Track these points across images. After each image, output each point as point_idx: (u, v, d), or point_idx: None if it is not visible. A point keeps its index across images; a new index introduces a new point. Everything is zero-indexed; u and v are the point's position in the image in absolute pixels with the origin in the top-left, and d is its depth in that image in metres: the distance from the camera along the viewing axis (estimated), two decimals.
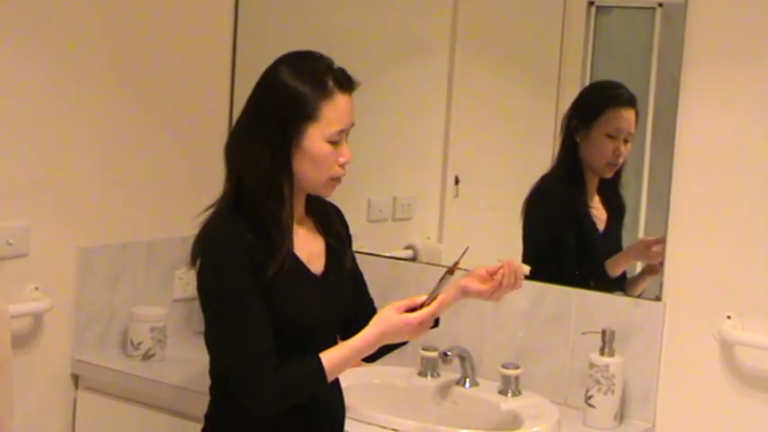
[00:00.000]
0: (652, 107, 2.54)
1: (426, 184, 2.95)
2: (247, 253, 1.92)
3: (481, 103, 2.89)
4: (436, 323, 2.05)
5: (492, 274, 2.07)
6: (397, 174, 3.02)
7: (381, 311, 1.99)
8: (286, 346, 1.95)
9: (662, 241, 2.45)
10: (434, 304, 1.99)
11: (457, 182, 2.87)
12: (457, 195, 2.88)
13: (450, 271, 2.02)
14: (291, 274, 1.97)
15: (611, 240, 2.62)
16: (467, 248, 2.03)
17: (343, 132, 1.96)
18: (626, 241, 2.62)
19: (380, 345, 1.99)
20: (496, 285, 2.06)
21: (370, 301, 2.21)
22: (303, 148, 1.93)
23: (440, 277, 2.01)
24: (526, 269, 2.06)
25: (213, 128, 2.93)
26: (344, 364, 1.98)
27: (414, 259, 2.87)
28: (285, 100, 1.92)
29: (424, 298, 2.00)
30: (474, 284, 2.07)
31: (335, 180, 1.99)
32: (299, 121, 1.91)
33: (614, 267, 2.60)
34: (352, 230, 2.20)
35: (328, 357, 1.95)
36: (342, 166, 1.98)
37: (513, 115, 2.85)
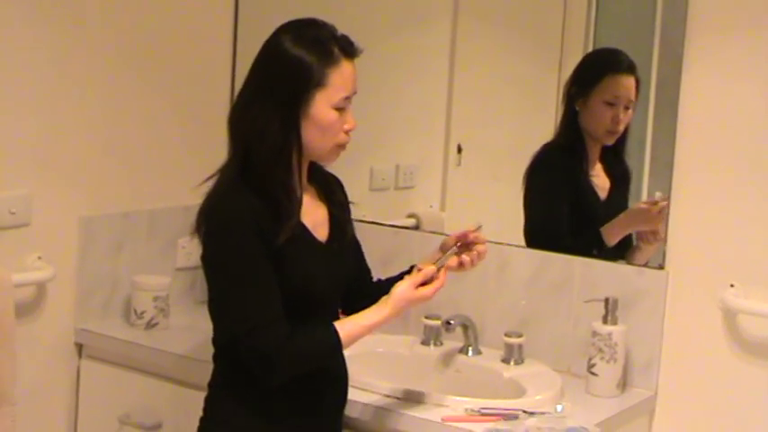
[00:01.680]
0: (655, 75, 2.54)
1: (429, 153, 2.96)
2: (256, 219, 1.93)
3: (484, 70, 2.89)
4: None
5: (462, 241, 2.11)
6: (399, 142, 3.02)
7: (399, 288, 2.02)
8: (291, 315, 1.97)
9: (654, 203, 2.48)
10: (442, 276, 2.05)
11: (459, 150, 2.88)
12: (459, 164, 2.89)
13: (459, 239, 2.08)
14: (298, 242, 1.98)
15: (615, 208, 2.62)
16: (480, 226, 2.09)
17: (348, 99, 1.99)
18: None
19: (392, 319, 2.04)
20: (469, 259, 2.11)
21: (368, 271, 2.25)
22: (311, 115, 1.96)
23: (448, 249, 2.09)
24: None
25: (215, 95, 2.93)
26: (358, 338, 2.01)
27: (416, 228, 2.88)
28: (293, 69, 1.94)
29: (433, 269, 2.05)
30: (453, 262, 2.12)
31: (341, 147, 2.03)
32: (307, 88, 1.94)
33: (610, 235, 2.60)
34: (354, 199, 2.23)
35: (344, 329, 1.98)
36: (347, 132, 2.01)
37: (516, 83, 2.85)
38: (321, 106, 1.96)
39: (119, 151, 2.79)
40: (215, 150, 2.17)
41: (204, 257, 2.01)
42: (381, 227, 2.82)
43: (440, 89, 2.90)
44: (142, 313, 2.77)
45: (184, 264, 2.94)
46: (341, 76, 1.96)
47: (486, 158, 2.89)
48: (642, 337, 2.46)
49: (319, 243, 2.05)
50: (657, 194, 2.51)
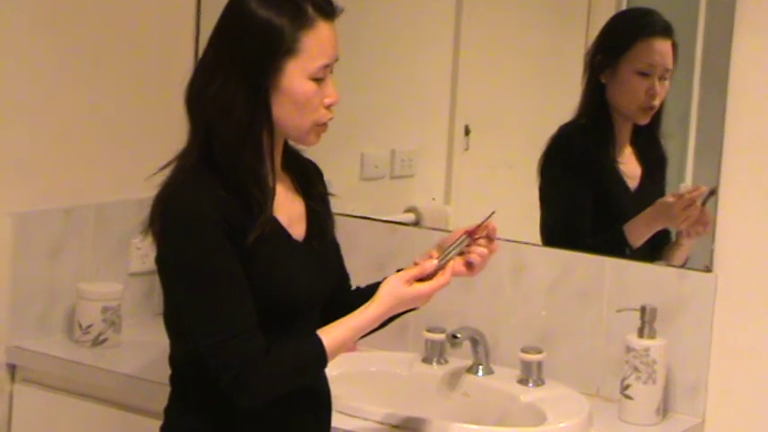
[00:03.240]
0: (701, 41, 2.55)
1: (431, 136, 2.96)
2: (223, 213, 1.92)
3: (495, 38, 2.89)
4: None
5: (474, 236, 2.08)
6: (395, 123, 3.02)
7: (388, 283, 2.01)
8: (266, 326, 1.95)
9: (679, 197, 2.50)
10: (447, 272, 2.02)
11: (467, 132, 2.88)
12: (467, 148, 2.89)
13: (471, 233, 2.05)
14: (271, 241, 1.97)
15: (647, 201, 2.62)
16: (492, 212, 2.05)
17: (328, 68, 1.98)
18: None
19: (382, 319, 2.02)
20: (479, 261, 2.07)
21: (346, 277, 2.22)
22: (283, 87, 1.94)
23: (455, 240, 2.04)
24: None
25: (175, 72, 2.83)
26: (345, 345, 2.00)
27: (416, 224, 2.87)
28: (259, 33, 1.93)
29: (434, 263, 2.02)
30: (460, 267, 2.07)
31: (321, 126, 2.01)
32: (276, 56, 1.93)
33: (634, 234, 2.60)
34: (342, 190, 2.23)
35: (328, 337, 1.97)
36: (328, 108, 1.99)
37: (534, 53, 2.85)
38: (294, 77, 1.94)
39: (59, 136, 2.78)
40: (175, 133, 2.15)
41: (160, 259, 2.00)
42: (374, 223, 2.82)
43: (443, 60, 2.90)
44: (88, 327, 2.76)
45: (139, 268, 2.92)
46: (317, 41, 1.94)
47: (499, 142, 2.89)
48: (686, 354, 2.46)
49: (296, 242, 2.04)
50: (683, 186, 2.54)
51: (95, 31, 2.82)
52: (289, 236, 2.03)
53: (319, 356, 1.96)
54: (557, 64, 2.80)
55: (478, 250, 2.06)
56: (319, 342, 1.95)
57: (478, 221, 2.07)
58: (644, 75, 2.57)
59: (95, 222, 2.84)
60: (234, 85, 1.93)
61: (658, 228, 2.58)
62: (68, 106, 2.79)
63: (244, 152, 1.94)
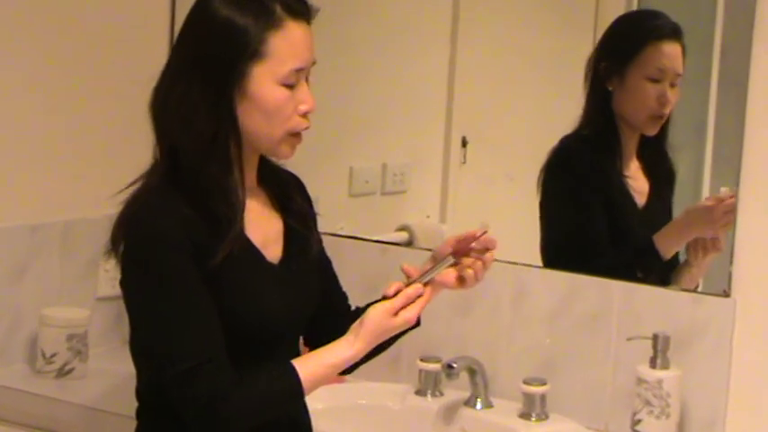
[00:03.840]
0: (719, 44, 2.55)
1: (425, 148, 2.96)
2: (187, 232, 1.92)
3: (496, 41, 2.89)
4: (416, 323, 2.05)
5: (464, 245, 2.06)
6: (387, 134, 3.02)
7: (372, 314, 2.00)
8: (238, 355, 1.95)
9: (720, 200, 2.48)
10: (428, 293, 2.01)
11: (464, 144, 2.89)
12: (464, 161, 2.89)
13: (456, 252, 2.03)
14: (242, 262, 1.97)
15: (656, 218, 2.63)
16: (485, 230, 2.04)
17: (302, 72, 1.97)
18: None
19: (364, 352, 1.99)
20: (472, 273, 2.05)
21: (344, 297, 2.22)
22: (249, 94, 1.94)
23: (438, 263, 2.04)
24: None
25: (147, 83, 2.97)
26: (323, 381, 2.00)
27: (409, 244, 2.88)
28: (221, 34, 1.94)
29: (418, 289, 2.01)
30: (450, 277, 2.06)
31: (295, 137, 2.00)
32: (241, 59, 1.93)
33: (666, 244, 2.58)
34: (329, 207, 2.26)
35: (305, 368, 1.96)
36: (304, 116, 1.99)
37: (537, 58, 2.85)
38: (262, 82, 1.94)
39: (23, 148, 2.78)
40: (150, 146, 2.12)
41: (123, 282, 1.99)
42: (364, 243, 2.82)
43: (439, 65, 2.90)
44: (52, 357, 2.73)
45: (108, 292, 2.88)
46: (287, 43, 1.94)
47: (499, 154, 2.88)
48: (703, 386, 2.45)
49: (269, 265, 2.04)
50: (723, 190, 2.50)
51: (63, 42, 2.83)
52: (262, 257, 2.02)
53: (294, 390, 1.94)
54: (562, 69, 2.79)
55: (469, 262, 2.04)
56: (294, 373, 1.94)
57: (467, 231, 2.05)
58: (654, 81, 2.58)
59: (62, 241, 2.84)
60: (197, 91, 1.93)
61: (693, 236, 2.56)
62: (34, 117, 2.80)
63: (209, 165, 1.94)
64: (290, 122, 1.97)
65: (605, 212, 2.64)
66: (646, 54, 2.59)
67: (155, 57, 2.90)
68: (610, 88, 2.60)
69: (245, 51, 1.92)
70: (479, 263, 2.04)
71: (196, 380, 1.90)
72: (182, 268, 1.91)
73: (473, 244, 2.04)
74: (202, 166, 1.94)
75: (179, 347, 1.91)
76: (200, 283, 1.91)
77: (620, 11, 2.67)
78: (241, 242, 1.96)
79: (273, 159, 2.07)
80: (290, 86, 1.95)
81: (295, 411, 2.08)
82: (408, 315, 1.98)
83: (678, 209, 2.63)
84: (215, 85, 1.92)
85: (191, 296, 1.91)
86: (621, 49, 2.62)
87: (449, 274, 2.04)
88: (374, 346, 1.99)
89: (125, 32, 2.93)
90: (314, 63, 1.98)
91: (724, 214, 2.46)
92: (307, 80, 1.98)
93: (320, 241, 2.15)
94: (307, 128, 1.99)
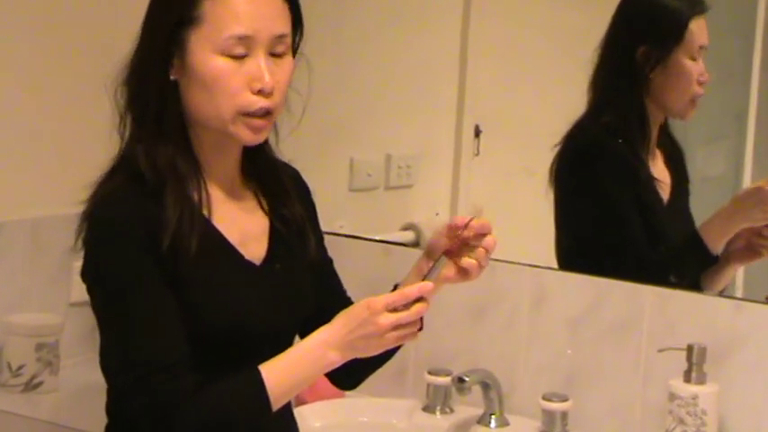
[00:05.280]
0: (762, 27, 2.57)
1: (434, 138, 2.97)
2: (147, 227, 1.94)
3: (512, 18, 2.89)
4: (419, 326, 2.00)
5: (456, 232, 2.03)
6: (391, 124, 3.02)
7: (351, 315, 1.97)
8: (211, 365, 1.96)
9: None
10: (413, 286, 1.93)
11: (477, 134, 2.89)
12: (477, 153, 2.90)
13: (449, 251, 1.99)
14: (212, 260, 1.99)
15: (679, 215, 2.67)
16: (480, 210, 2.00)
17: (251, 41, 1.96)
18: (696, 210, 2.65)
19: (344, 352, 1.94)
20: (474, 263, 2.02)
21: (345, 302, 2.18)
22: (188, 65, 1.97)
23: (435, 260, 2.01)
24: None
25: (118, 75, 2.97)
26: (293, 376, 1.96)
27: (416, 244, 2.88)
28: (156, 1, 2.00)
29: (415, 289, 1.95)
30: (450, 270, 2.04)
31: (251, 116, 1.98)
32: (176, 25, 1.96)
33: (714, 235, 2.59)
34: (327, 203, 2.23)
35: (268, 367, 1.94)
36: (259, 93, 1.97)
37: (557, 39, 2.85)
38: (198, 51, 1.96)
39: None
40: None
41: (84, 280, 2.03)
42: (366, 242, 2.83)
43: (449, 47, 2.90)
44: (19, 368, 2.74)
45: (82, 296, 2.75)
46: (224, 6, 1.95)
47: (516, 144, 2.89)
48: (742, 402, 2.45)
49: (248, 263, 2.05)
50: None
51: (28, 38, 2.85)
52: (238, 256, 2.03)
53: (259, 395, 1.92)
54: (587, 48, 2.74)
55: (478, 251, 2.00)
56: (257, 377, 1.92)
57: (459, 217, 2.02)
58: (694, 60, 2.61)
59: (30, 241, 2.84)
60: (145, 65, 1.98)
61: (742, 225, 2.57)
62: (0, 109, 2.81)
63: (160, 146, 1.97)
64: (239, 99, 1.95)
65: (638, 209, 2.65)
66: (690, 32, 2.60)
67: (124, 51, 2.97)
68: (651, 76, 2.61)
69: (179, 16, 1.94)
70: (481, 249, 2.00)
71: (151, 388, 1.91)
72: (139, 268, 1.93)
73: (464, 233, 1.99)
74: (154, 146, 1.96)
75: (136, 352, 1.92)
76: (160, 284, 1.93)
77: None
78: (211, 238, 1.98)
79: (274, 152, 2.09)
80: (236, 58, 1.94)
81: (282, 428, 2.08)
82: (375, 300, 1.90)
83: (716, 209, 2.61)
84: (157, 55, 1.96)
85: (149, 298, 1.93)
86: (665, 29, 2.63)
87: (448, 267, 2.01)
88: (350, 333, 1.92)
89: (91, 28, 2.94)
90: (281, 36, 1.97)
91: None
92: (276, 55, 1.97)
93: (321, 241, 2.17)
94: (267, 108, 1.96)
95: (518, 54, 2.89)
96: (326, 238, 2.21)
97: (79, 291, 2.77)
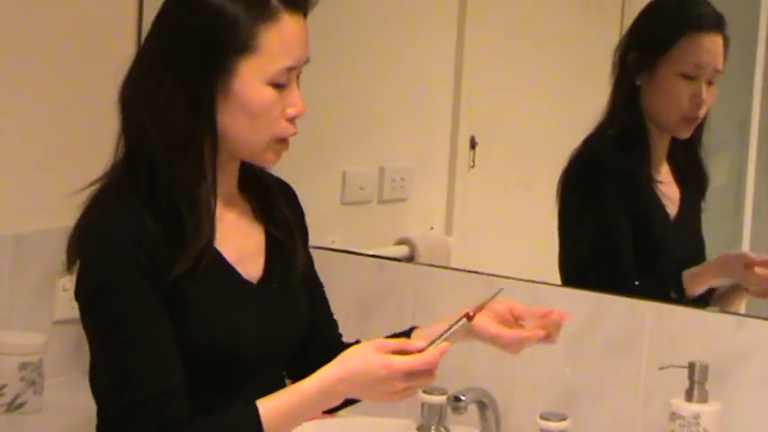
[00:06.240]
0: (764, 37, 2.58)
1: (429, 150, 2.99)
2: (146, 246, 1.93)
3: (508, 30, 2.91)
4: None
5: (518, 318, 2.11)
6: (385, 135, 3.03)
7: (353, 347, 2.00)
8: (205, 387, 1.97)
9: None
10: (434, 351, 1.96)
11: (473, 145, 2.90)
12: (473, 165, 2.91)
13: (471, 316, 2.05)
14: (210, 280, 1.98)
15: (687, 231, 2.66)
16: (500, 290, 2.06)
17: (293, 71, 1.99)
18: (708, 230, 2.63)
19: (345, 395, 1.97)
20: (525, 336, 2.11)
21: (333, 326, 2.23)
22: (233, 92, 1.96)
23: (455, 321, 2.04)
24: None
25: (112, 76, 2.83)
26: (292, 418, 1.97)
27: (410, 259, 2.89)
28: (207, 22, 1.95)
29: (421, 345, 1.97)
30: (490, 325, 2.11)
31: (282, 143, 2.01)
32: (227, 54, 1.95)
33: (694, 283, 2.61)
34: (318, 217, 2.25)
35: (268, 407, 1.94)
36: (291, 120, 2.00)
37: (555, 48, 2.86)
38: (249, 80, 1.96)
39: None
40: (113, 148, 2.13)
41: (77, 301, 2.01)
42: (358, 257, 2.83)
43: (444, 57, 2.92)
44: (2, 389, 2.72)
45: (67, 314, 2.85)
46: (280, 38, 1.96)
47: (513, 157, 2.90)
48: (746, 422, 2.44)
49: (244, 282, 2.05)
50: None
51: (13, 45, 2.85)
52: (237, 275, 2.03)
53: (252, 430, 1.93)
54: (586, 59, 2.80)
55: (549, 323, 2.09)
56: (254, 413, 1.92)
57: (482, 301, 2.07)
58: (689, 78, 2.58)
59: (13, 257, 2.84)
60: (172, 85, 1.95)
61: (723, 281, 2.61)
62: None
63: (178, 169, 1.96)
64: (276, 127, 1.98)
65: (633, 225, 2.64)
66: (682, 47, 2.58)
67: (114, 58, 2.94)
68: (638, 83, 2.61)
69: (232, 44, 1.93)
70: (551, 323, 2.09)
71: (141, 415, 1.91)
72: (134, 289, 1.92)
73: (517, 313, 2.08)
74: (171, 169, 1.95)
75: (132, 376, 1.92)
76: (156, 306, 1.93)
77: None
78: (210, 258, 1.97)
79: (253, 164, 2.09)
80: (279, 87, 1.96)
81: None
82: (395, 360, 1.91)
83: (717, 221, 2.62)
84: (195, 79, 1.94)
85: (143, 321, 1.92)
86: (654, 39, 2.61)
87: (490, 328, 2.09)
88: (351, 377, 1.93)
89: (83, 36, 2.94)
90: (307, 61, 2.00)
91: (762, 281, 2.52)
92: (297, 80, 1.99)
93: (310, 260, 2.17)
94: (294, 134, 2.00)
95: (514, 65, 2.89)
96: (317, 254, 2.21)
97: (63, 308, 2.90)
